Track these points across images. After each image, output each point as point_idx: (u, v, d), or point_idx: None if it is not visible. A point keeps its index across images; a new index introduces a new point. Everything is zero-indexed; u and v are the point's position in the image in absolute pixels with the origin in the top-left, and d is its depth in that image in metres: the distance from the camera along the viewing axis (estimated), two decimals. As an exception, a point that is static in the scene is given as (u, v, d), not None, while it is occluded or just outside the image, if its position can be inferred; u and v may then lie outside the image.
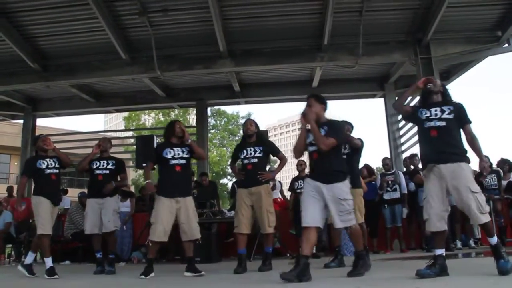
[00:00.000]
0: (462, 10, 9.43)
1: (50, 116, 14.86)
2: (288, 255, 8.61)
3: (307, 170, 7.96)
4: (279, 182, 9.87)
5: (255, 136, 6.15)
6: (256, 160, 5.96)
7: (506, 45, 10.17)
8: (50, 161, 6.18)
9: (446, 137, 4.27)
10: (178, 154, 5.64)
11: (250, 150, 6.00)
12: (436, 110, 4.37)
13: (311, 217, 4.33)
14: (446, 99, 4.53)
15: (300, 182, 8.45)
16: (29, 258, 6.05)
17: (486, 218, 3.99)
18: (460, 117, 4.34)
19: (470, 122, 4.37)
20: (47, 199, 5.98)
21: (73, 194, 12.59)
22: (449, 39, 10.15)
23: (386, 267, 5.74)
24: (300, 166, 8.79)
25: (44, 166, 6.10)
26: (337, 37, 9.82)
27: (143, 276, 5.18)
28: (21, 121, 14.37)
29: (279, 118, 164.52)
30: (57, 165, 6.23)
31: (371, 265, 4.83)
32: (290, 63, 10.59)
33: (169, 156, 5.61)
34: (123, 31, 9.76)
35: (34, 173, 6.17)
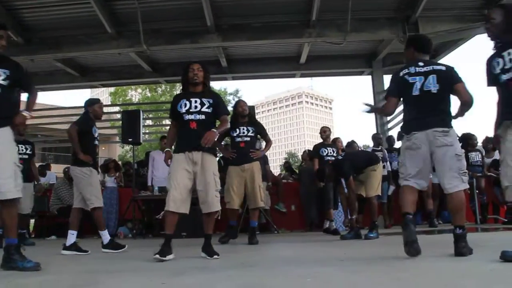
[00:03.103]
0: (451, -13, 9.42)
1: (34, 91, 14.63)
2: (275, 231, 8.68)
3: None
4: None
5: (247, 117, 6.40)
6: (248, 139, 6.23)
7: (494, 23, 10.18)
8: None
9: None
10: (195, 107, 4.42)
11: (243, 129, 6.23)
12: (509, 54, 3.34)
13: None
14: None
15: (329, 149, 7.83)
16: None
17: None
18: None
19: None
20: None
21: (59, 169, 12.52)
22: (437, 16, 10.13)
23: (369, 243, 5.83)
24: (324, 133, 8.10)
25: (96, 135, 5.71)
26: (326, 13, 9.76)
27: (157, 256, 3.99)
28: (5, 95, 14.12)
29: (267, 95, 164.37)
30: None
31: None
32: (278, 38, 10.52)
33: (184, 109, 4.42)
34: (109, 3, 9.57)
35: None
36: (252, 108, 9.45)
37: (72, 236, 5.32)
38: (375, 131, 12.51)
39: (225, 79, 14.46)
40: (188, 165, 4.30)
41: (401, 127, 3.94)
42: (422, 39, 4.28)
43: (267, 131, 6.82)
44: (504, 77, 3.34)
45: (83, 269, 3.87)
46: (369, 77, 13.31)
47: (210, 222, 4.46)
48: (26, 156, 7.04)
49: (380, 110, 4.26)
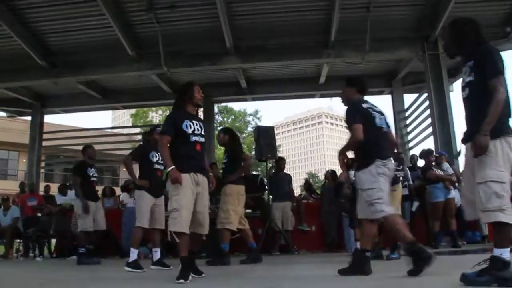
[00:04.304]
0: (470, 6, 9.37)
1: (57, 113, 14.93)
2: (296, 252, 8.59)
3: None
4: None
5: (225, 145, 6.80)
6: (223, 165, 6.72)
7: (515, 41, 10.09)
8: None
9: (468, 108, 3.26)
10: (198, 130, 4.40)
11: (223, 158, 6.81)
12: (463, 73, 3.36)
13: (358, 210, 4.29)
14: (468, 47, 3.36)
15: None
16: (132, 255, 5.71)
17: (486, 218, 3.04)
18: (482, 68, 3.14)
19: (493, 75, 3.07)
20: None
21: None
22: (457, 35, 10.07)
23: (390, 264, 5.73)
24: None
25: (155, 160, 6.13)
26: (344, 34, 9.78)
27: (182, 281, 3.84)
28: (29, 117, 14.44)
29: (286, 115, 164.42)
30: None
31: (429, 258, 3.62)
32: (297, 59, 10.60)
33: (190, 130, 4.32)
34: (130, 27, 9.79)
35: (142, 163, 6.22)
36: (272, 129, 9.51)
37: (155, 253, 6.19)
38: (395, 151, 12.37)
39: (245, 100, 14.56)
40: (193, 186, 4.21)
41: (375, 152, 4.01)
42: (364, 82, 4.59)
43: (239, 152, 6.86)
44: (462, 95, 3.32)
45: (103, 288, 3.88)
46: (389, 96, 13.25)
47: (199, 241, 4.51)
48: (95, 178, 7.56)
49: (349, 143, 4.02)
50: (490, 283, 2.89)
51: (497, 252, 2.94)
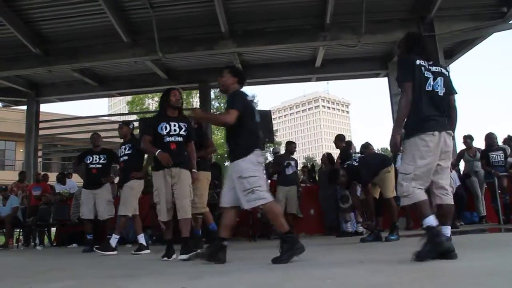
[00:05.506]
0: (466, -14, 9.33)
1: (53, 101, 14.87)
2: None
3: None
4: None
5: None
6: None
7: (512, 21, 10.05)
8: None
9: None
10: (175, 130, 5.02)
11: None
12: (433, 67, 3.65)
13: (222, 198, 4.26)
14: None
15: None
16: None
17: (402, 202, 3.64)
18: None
19: None
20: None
21: (79, 178, 12.64)
22: (453, 16, 10.03)
23: (390, 245, 5.76)
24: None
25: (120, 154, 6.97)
26: (340, 16, 9.73)
27: (165, 258, 4.85)
28: (25, 107, 14.37)
29: (282, 100, 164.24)
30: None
31: (302, 249, 3.91)
32: (293, 42, 10.53)
33: (164, 132, 4.98)
34: (124, 13, 9.70)
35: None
36: (269, 113, 9.52)
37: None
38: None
39: (241, 84, 14.50)
40: (167, 180, 4.94)
41: (255, 142, 4.11)
42: (244, 74, 4.77)
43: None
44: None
45: (104, 274, 3.89)
46: (385, 79, 13.21)
47: (185, 226, 4.88)
48: (100, 166, 7.44)
49: (216, 121, 4.77)
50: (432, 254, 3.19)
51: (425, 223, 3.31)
